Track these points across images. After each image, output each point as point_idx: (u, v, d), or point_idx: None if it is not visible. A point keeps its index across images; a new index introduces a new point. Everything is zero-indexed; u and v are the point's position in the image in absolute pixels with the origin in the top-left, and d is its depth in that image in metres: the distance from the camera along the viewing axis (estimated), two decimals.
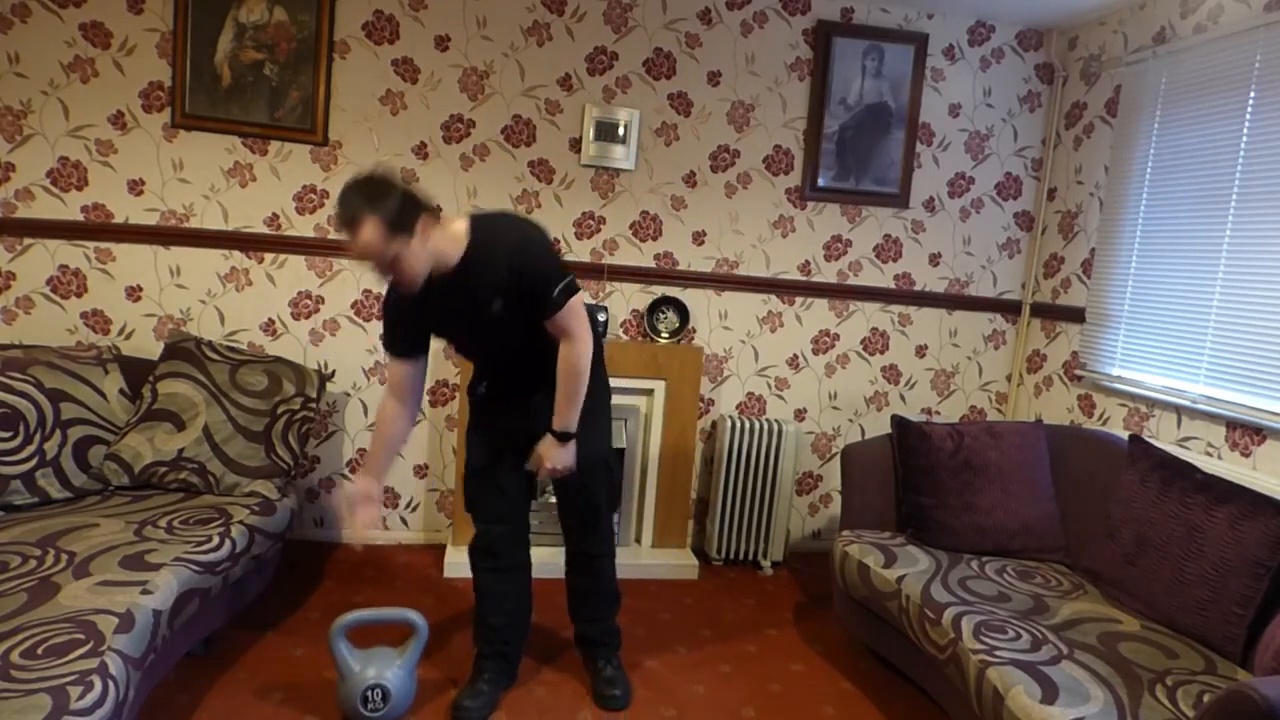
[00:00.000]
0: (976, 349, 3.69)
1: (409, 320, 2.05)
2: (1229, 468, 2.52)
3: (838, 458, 3.53)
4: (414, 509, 3.40)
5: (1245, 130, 2.63)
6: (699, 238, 3.42)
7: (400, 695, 2.11)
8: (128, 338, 3.11)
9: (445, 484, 3.39)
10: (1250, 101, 2.62)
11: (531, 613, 2.39)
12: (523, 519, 2.32)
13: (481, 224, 1.95)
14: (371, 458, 2.14)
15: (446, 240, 1.90)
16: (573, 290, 2.00)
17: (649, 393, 3.28)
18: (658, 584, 3.18)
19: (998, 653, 1.92)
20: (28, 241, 3.00)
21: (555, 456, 2.09)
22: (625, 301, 3.40)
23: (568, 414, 2.06)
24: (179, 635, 2.01)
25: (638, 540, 3.35)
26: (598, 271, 3.34)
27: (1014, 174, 3.60)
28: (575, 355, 2.03)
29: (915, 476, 2.65)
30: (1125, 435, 2.64)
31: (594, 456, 2.24)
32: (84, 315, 3.07)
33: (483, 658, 2.30)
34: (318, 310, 3.22)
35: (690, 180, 3.38)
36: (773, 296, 3.51)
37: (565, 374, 2.04)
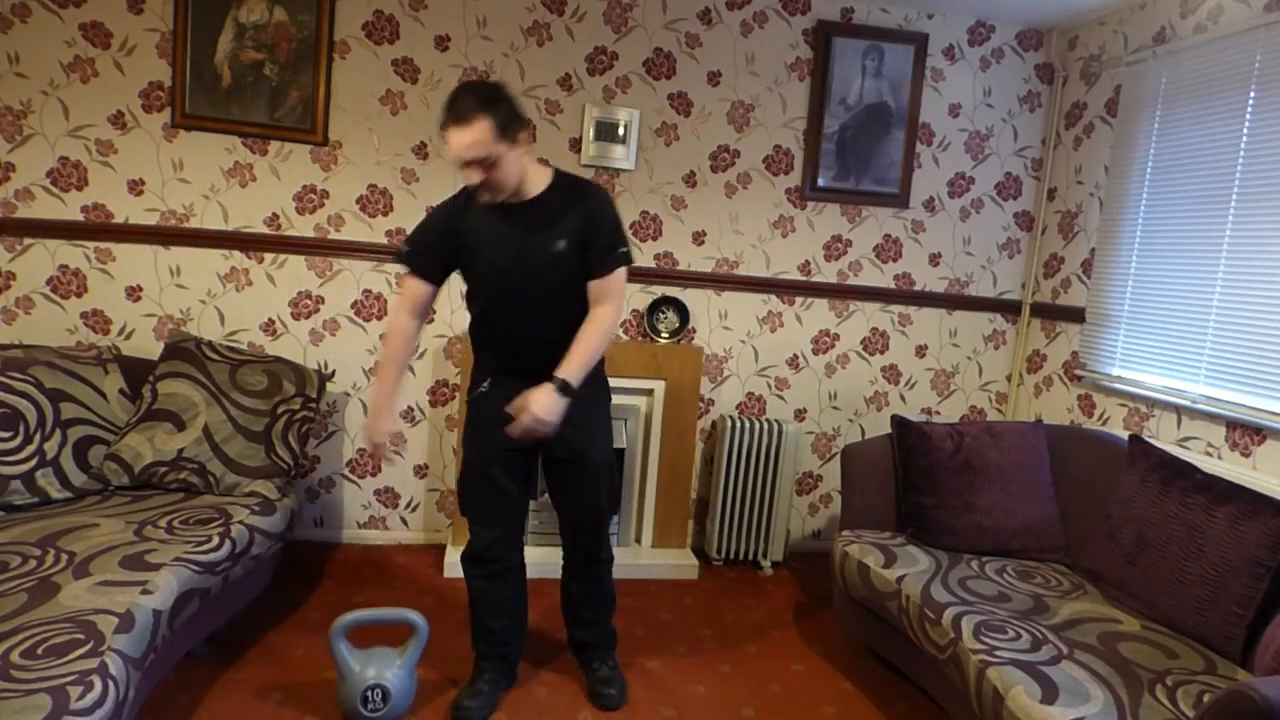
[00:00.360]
0: (976, 349, 3.69)
1: (449, 242, 2.06)
2: (1229, 468, 2.52)
3: (838, 458, 3.52)
4: (414, 509, 3.40)
5: (1245, 130, 2.63)
6: (699, 238, 3.42)
7: (400, 695, 2.11)
8: (128, 338, 3.11)
9: (445, 484, 3.39)
10: (1250, 101, 2.61)
11: (528, 613, 2.38)
12: (520, 522, 2.30)
13: (567, 174, 2.12)
14: (386, 380, 2.11)
15: (534, 168, 2.03)
16: (628, 260, 2.09)
17: (649, 393, 3.28)
18: (658, 584, 3.18)
19: (998, 653, 1.92)
20: (28, 241, 3.00)
21: (544, 407, 1.93)
22: (625, 301, 3.39)
23: (578, 366, 1.99)
24: (179, 635, 2.01)
25: (638, 540, 3.35)
26: None
27: (1014, 174, 3.60)
28: (609, 317, 2.06)
29: (915, 476, 2.65)
30: (1125, 435, 2.64)
31: (598, 460, 2.24)
32: (84, 315, 3.07)
33: (483, 659, 2.29)
34: (318, 310, 3.22)
35: (690, 180, 3.38)
36: (773, 296, 3.51)
37: (593, 329, 2.03)
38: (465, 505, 2.24)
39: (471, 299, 2.17)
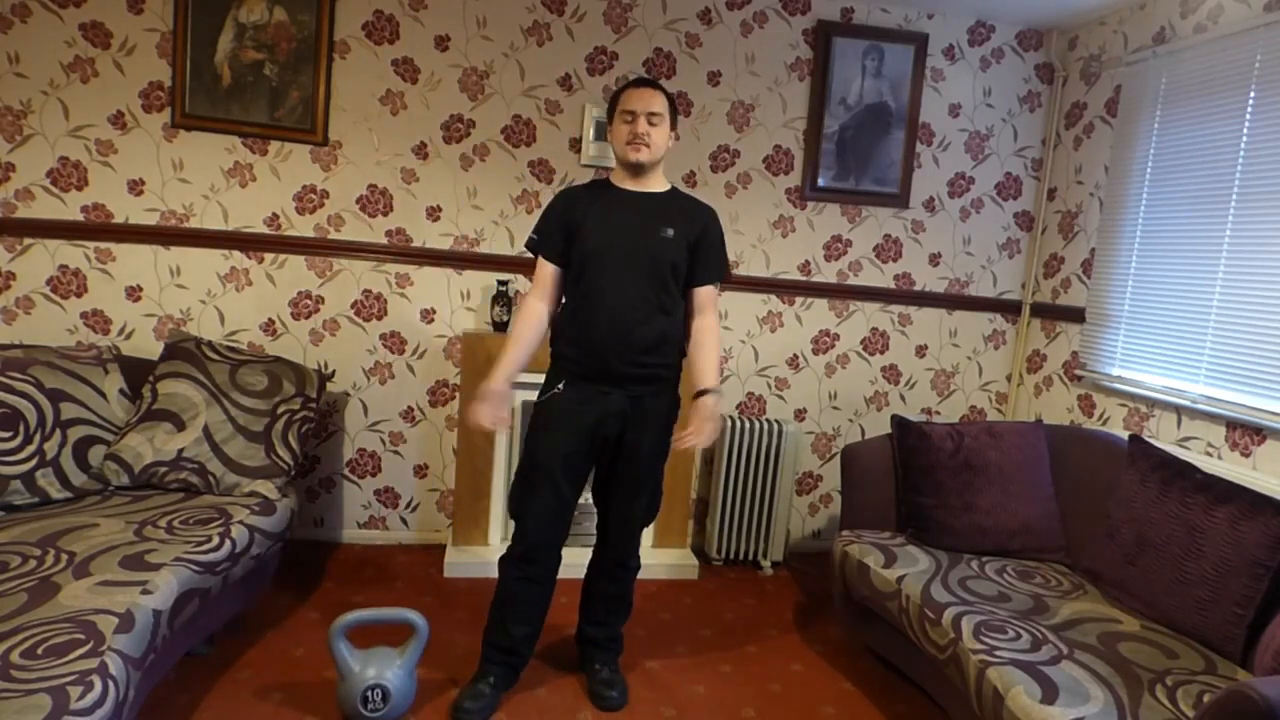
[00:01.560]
0: (976, 349, 3.69)
1: (569, 223, 2.22)
2: (1229, 468, 2.52)
3: (838, 458, 3.52)
4: (414, 509, 3.40)
5: (1245, 130, 2.63)
6: None
7: (400, 695, 2.11)
8: (128, 338, 3.11)
9: (445, 484, 3.39)
10: (1250, 101, 2.61)
11: (544, 621, 2.37)
12: (568, 524, 2.31)
13: (682, 191, 2.38)
14: (510, 361, 2.21)
15: (660, 173, 2.30)
16: (726, 278, 2.43)
17: None
18: (658, 584, 3.18)
19: (998, 653, 1.92)
20: (28, 241, 3.00)
21: (713, 412, 2.21)
22: None
23: (716, 369, 2.27)
24: (179, 635, 2.01)
25: None
26: None
27: (1014, 174, 3.60)
28: (718, 327, 2.31)
29: (915, 476, 2.65)
30: (1125, 435, 2.64)
31: (655, 467, 2.31)
32: (84, 315, 3.07)
33: (490, 662, 2.28)
34: (318, 310, 3.22)
35: (690, 180, 3.38)
36: (773, 296, 3.51)
37: (713, 339, 2.29)
38: (519, 506, 2.25)
39: (572, 283, 2.23)
